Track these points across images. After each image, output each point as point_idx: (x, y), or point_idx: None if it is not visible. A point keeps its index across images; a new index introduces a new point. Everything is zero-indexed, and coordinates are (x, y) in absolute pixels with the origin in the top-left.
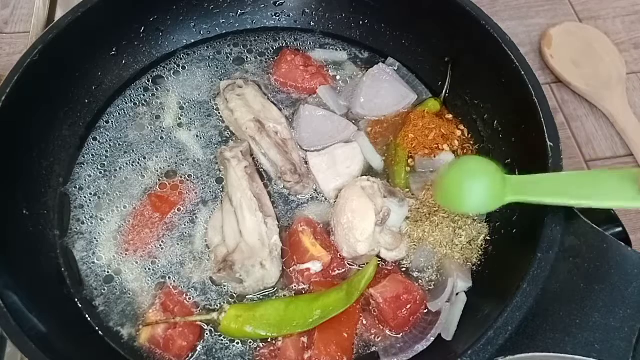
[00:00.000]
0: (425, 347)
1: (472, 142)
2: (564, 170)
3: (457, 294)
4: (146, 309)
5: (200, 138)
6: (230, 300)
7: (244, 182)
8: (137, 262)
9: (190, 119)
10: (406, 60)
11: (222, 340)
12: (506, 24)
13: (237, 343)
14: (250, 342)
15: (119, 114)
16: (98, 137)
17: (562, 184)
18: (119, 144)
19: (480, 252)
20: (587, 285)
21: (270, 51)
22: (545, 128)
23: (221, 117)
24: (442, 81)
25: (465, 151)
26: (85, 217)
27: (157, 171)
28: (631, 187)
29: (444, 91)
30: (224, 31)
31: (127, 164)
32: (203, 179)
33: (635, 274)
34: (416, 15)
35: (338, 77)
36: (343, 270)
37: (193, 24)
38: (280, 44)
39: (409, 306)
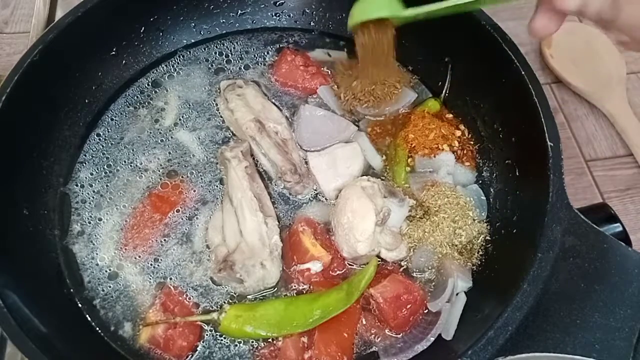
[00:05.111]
0: (425, 347)
1: (472, 142)
2: (564, 169)
3: (457, 294)
4: (146, 309)
5: (201, 138)
6: (230, 300)
7: (245, 182)
8: (137, 262)
9: (191, 119)
10: (406, 60)
11: (222, 340)
12: (506, 24)
13: (237, 343)
14: (251, 342)
15: (120, 114)
16: (98, 137)
17: None
18: (120, 144)
19: (480, 252)
20: (587, 285)
21: (270, 51)
22: (545, 128)
23: (221, 117)
24: (442, 81)
25: (465, 151)
26: (86, 217)
27: (157, 171)
28: None
29: (444, 91)
30: (224, 31)
31: (127, 164)
32: (203, 179)
33: (635, 274)
34: None
35: None
36: (343, 270)
37: (193, 24)
38: (280, 44)
39: (409, 306)
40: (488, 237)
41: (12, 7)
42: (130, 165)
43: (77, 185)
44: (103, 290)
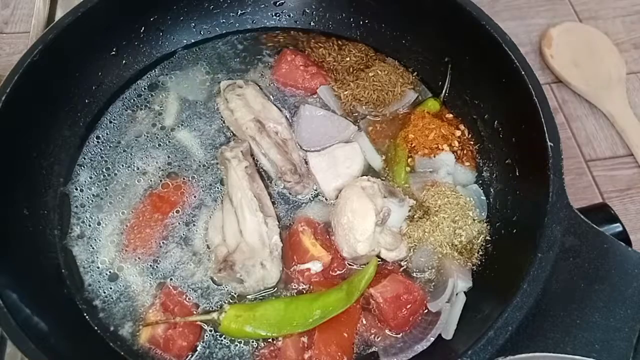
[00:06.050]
0: (425, 347)
1: (472, 142)
2: (564, 169)
3: (457, 294)
4: (146, 309)
5: (200, 138)
6: (230, 300)
7: (245, 182)
8: (137, 262)
9: (190, 119)
10: (406, 60)
11: (222, 340)
12: (506, 24)
13: (237, 343)
14: (251, 342)
15: (119, 114)
16: (98, 138)
17: None
18: (119, 144)
19: (481, 252)
20: (587, 285)
21: (270, 51)
22: (545, 128)
23: (221, 117)
24: (442, 81)
25: (465, 151)
26: (86, 218)
27: (157, 171)
28: None
29: (444, 91)
30: (224, 31)
31: (127, 164)
32: (203, 179)
33: (635, 274)
34: (416, 15)
35: None
36: (343, 270)
37: (193, 24)
38: (280, 44)
39: (409, 306)
40: (488, 237)
41: (12, 7)
42: (130, 166)
43: (76, 189)
44: (103, 290)
